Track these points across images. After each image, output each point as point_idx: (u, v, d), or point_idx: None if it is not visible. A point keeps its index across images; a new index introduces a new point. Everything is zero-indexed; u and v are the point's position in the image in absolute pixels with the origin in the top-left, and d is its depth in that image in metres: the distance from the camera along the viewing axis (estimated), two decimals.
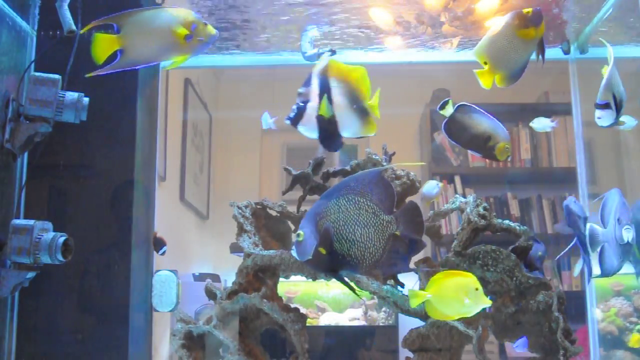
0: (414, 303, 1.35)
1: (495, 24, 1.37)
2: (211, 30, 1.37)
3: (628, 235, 1.51)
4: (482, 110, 1.53)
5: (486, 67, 1.38)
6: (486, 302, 1.35)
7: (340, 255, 1.20)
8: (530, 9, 1.33)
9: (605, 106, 1.46)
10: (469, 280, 1.34)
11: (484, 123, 1.51)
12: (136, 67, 1.45)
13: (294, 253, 1.21)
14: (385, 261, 1.21)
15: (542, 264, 1.66)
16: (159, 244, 2.09)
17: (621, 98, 1.46)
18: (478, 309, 1.34)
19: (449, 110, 1.50)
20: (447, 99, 1.51)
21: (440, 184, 1.78)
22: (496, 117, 1.56)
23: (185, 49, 1.37)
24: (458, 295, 1.34)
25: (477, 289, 1.33)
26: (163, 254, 2.10)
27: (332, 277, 1.26)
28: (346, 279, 1.31)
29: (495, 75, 1.39)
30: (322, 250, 1.19)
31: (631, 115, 1.77)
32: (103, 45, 1.36)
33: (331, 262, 1.21)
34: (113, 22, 1.36)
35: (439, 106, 1.53)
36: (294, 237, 1.22)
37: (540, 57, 1.38)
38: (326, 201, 1.21)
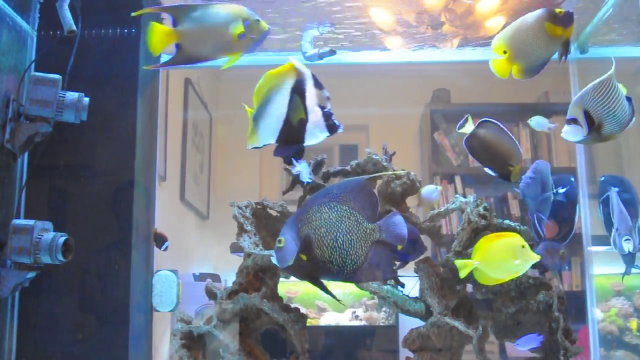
0: (463, 273, 1.34)
1: (525, 16, 1.37)
2: (264, 26, 1.32)
3: (628, 246, 1.51)
4: (503, 126, 1.52)
5: (504, 57, 1.38)
6: (535, 258, 1.35)
7: (321, 262, 1.19)
8: (562, 10, 1.33)
9: (572, 121, 1.45)
10: (514, 239, 1.34)
11: (506, 143, 1.52)
12: (192, 65, 1.40)
13: (274, 259, 1.20)
14: (366, 269, 1.21)
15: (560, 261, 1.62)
16: (160, 239, 2.09)
17: (601, 116, 1.44)
18: (528, 267, 1.33)
19: (469, 127, 1.50)
20: (466, 116, 1.51)
21: (440, 188, 1.78)
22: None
23: (237, 47, 1.34)
24: (506, 257, 1.33)
25: (523, 246, 1.32)
26: (165, 249, 2.10)
27: (313, 284, 1.26)
28: (326, 286, 1.31)
29: (512, 66, 1.39)
30: (303, 257, 1.19)
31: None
32: (160, 37, 1.32)
33: (312, 268, 1.20)
34: (170, 13, 1.33)
35: (458, 125, 1.53)
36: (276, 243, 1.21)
37: (563, 57, 1.38)
38: (308, 208, 1.21)
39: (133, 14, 1.42)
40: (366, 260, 1.20)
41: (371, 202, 1.22)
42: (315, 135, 1.34)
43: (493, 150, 1.48)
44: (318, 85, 1.33)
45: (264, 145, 1.38)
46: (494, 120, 1.52)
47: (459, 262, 1.38)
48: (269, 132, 1.36)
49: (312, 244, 1.19)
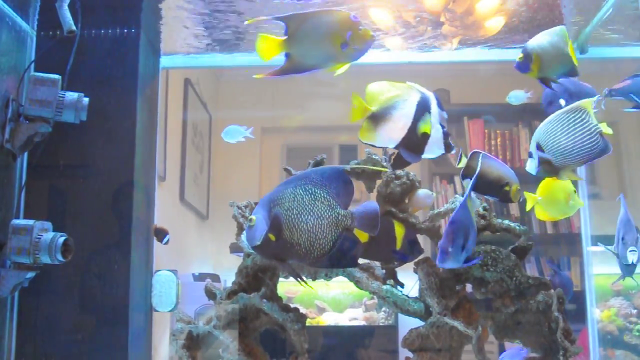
0: (528, 206, 1.50)
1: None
2: (366, 35, 1.31)
3: (633, 257, 1.53)
4: (491, 156, 1.57)
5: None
6: (581, 204, 1.56)
7: (289, 244, 1.19)
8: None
9: (530, 154, 1.50)
10: (568, 184, 1.51)
11: (496, 169, 1.55)
12: (301, 73, 1.39)
13: (243, 238, 1.20)
14: (334, 255, 1.21)
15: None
16: (161, 233, 2.09)
17: (551, 150, 1.45)
18: (575, 210, 1.54)
19: (464, 161, 1.55)
20: (460, 152, 1.56)
21: (434, 194, 1.78)
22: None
23: (343, 57, 1.34)
24: (564, 197, 1.52)
25: (575, 192, 1.53)
26: (167, 242, 2.10)
27: (280, 266, 1.26)
28: (293, 268, 1.31)
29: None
30: (272, 237, 1.18)
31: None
32: (270, 47, 1.33)
33: (279, 249, 1.20)
34: (281, 21, 1.33)
35: (457, 162, 1.57)
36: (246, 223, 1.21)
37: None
38: (283, 188, 1.21)
39: (247, 22, 1.43)
40: (334, 246, 1.20)
41: (347, 189, 1.23)
42: (433, 151, 1.38)
43: (486, 178, 1.52)
44: (440, 106, 1.38)
45: (380, 147, 1.42)
46: (480, 151, 1.56)
47: (527, 194, 1.55)
48: (390, 137, 1.37)
49: (282, 225, 1.18)
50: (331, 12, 1.33)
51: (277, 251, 1.21)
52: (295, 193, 1.20)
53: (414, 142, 1.37)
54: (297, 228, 1.19)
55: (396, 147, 1.38)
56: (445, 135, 1.37)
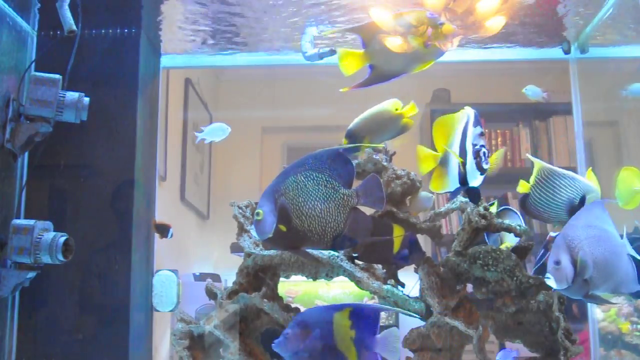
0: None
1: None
2: (448, 29, 1.31)
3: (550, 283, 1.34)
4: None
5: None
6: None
7: (301, 232, 1.19)
8: None
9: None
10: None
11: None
12: (388, 81, 1.41)
13: (253, 232, 1.20)
14: (347, 234, 1.21)
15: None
16: (164, 229, 2.09)
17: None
18: None
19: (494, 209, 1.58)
20: (494, 202, 1.58)
21: (434, 196, 1.78)
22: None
23: (427, 56, 1.33)
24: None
25: None
26: (170, 237, 2.10)
27: (294, 253, 1.25)
28: (309, 252, 1.31)
29: None
30: (282, 228, 1.18)
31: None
32: (352, 61, 1.35)
33: (292, 238, 1.20)
34: (356, 33, 1.33)
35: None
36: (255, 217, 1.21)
37: None
38: (284, 178, 1.21)
39: (323, 33, 1.42)
40: (345, 226, 1.20)
41: (347, 169, 1.22)
42: (475, 177, 1.36)
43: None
44: (477, 122, 1.38)
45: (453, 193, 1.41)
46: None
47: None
48: (453, 180, 1.38)
49: (290, 214, 1.18)
50: (404, 15, 1.32)
51: (290, 241, 1.21)
52: (297, 181, 1.20)
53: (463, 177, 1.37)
54: (306, 215, 1.19)
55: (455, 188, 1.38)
56: (476, 152, 1.35)
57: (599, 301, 1.36)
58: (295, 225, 1.19)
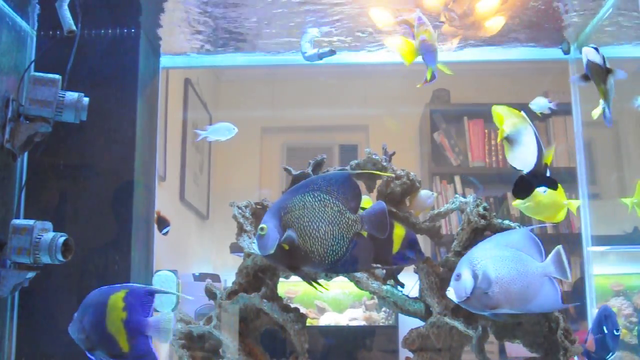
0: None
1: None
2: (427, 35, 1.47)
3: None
4: None
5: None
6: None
7: (303, 252, 1.19)
8: None
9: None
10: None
11: None
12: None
13: (255, 247, 1.20)
14: (348, 259, 1.20)
15: None
16: (162, 223, 2.09)
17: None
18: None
19: None
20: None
21: (435, 194, 1.78)
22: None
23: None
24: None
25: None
26: (166, 234, 2.09)
27: (292, 273, 1.25)
28: (307, 275, 1.31)
29: None
30: (285, 246, 1.18)
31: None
32: (411, 50, 1.50)
33: (293, 258, 1.20)
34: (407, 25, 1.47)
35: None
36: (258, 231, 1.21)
37: None
38: (291, 196, 1.20)
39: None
40: (347, 251, 1.20)
41: (354, 194, 1.22)
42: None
43: None
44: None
45: (520, 170, 1.45)
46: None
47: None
48: (526, 161, 1.41)
49: (294, 234, 1.18)
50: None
51: (291, 260, 1.21)
52: (305, 200, 1.20)
53: (539, 169, 1.40)
54: (309, 236, 1.18)
55: (528, 172, 1.41)
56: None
57: (503, 318, 1.44)
58: (298, 244, 1.19)
